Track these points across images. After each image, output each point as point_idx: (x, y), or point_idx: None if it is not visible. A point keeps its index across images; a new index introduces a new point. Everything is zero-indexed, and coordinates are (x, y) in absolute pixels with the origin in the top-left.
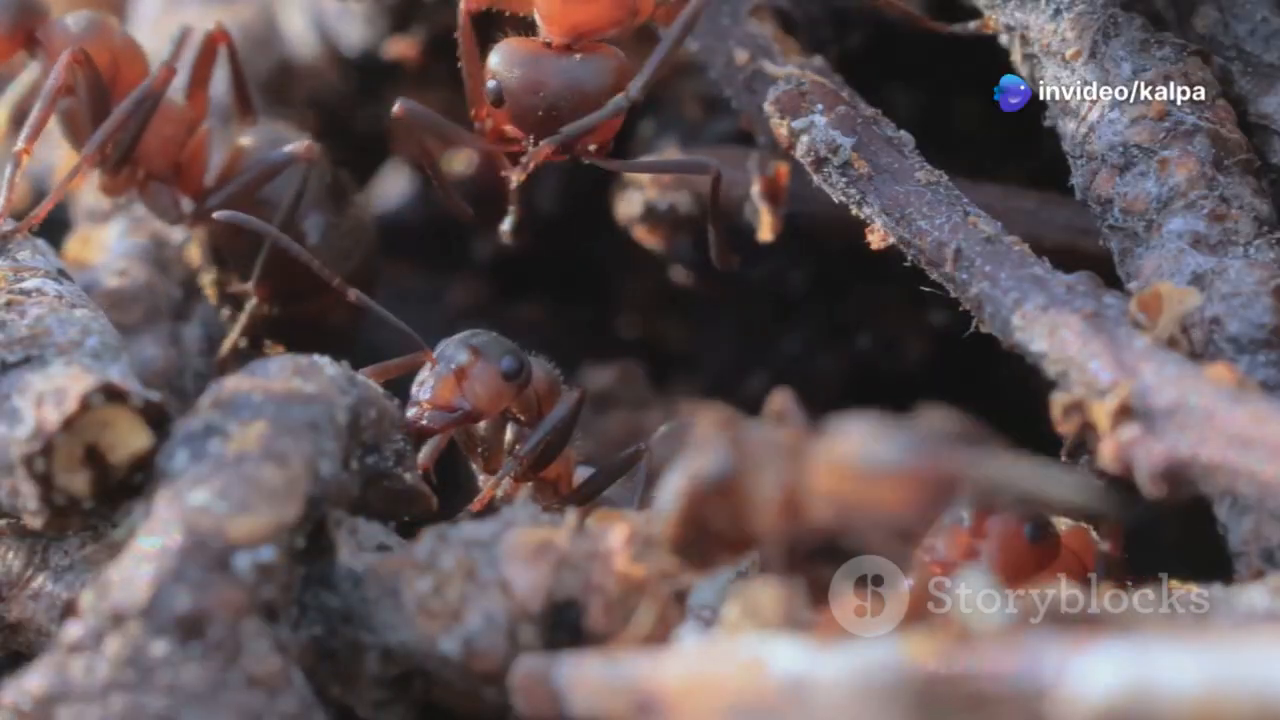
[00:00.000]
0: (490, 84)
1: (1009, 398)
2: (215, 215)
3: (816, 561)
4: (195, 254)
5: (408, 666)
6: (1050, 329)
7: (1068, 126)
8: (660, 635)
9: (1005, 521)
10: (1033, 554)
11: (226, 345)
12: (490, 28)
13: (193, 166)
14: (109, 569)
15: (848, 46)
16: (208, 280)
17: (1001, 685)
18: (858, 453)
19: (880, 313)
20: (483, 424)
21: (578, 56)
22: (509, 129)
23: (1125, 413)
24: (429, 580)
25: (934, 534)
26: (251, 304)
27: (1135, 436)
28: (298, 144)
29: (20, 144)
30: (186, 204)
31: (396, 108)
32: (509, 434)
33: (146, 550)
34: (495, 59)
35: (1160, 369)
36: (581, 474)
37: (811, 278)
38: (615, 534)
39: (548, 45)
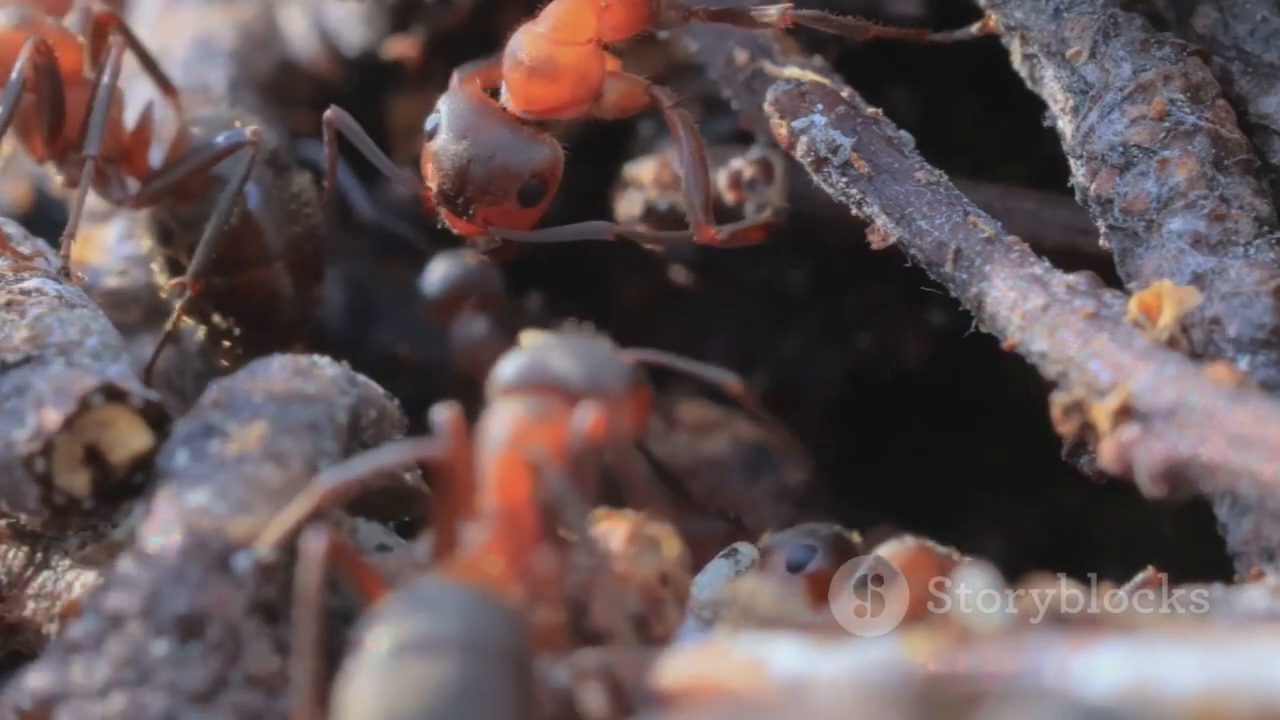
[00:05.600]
0: (431, 116)
1: (1009, 398)
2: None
3: None
4: (145, 241)
5: None
6: (1050, 329)
7: (1068, 126)
8: (660, 635)
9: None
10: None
11: (167, 327)
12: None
13: (138, 148)
14: (109, 569)
15: (848, 46)
16: (158, 265)
17: (1001, 685)
18: None
19: (880, 313)
20: None
21: (515, 130)
22: (426, 167)
23: (1125, 413)
24: None
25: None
26: (187, 296)
27: (1135, 436)
28: (247, 129)
29: None
30: (133, 185)
31: (329, 112)
32: None
33: (147, 550)
34: (444, 99)
35: (1160, 369)
36: None
37: (811, 278)
38: (615, 534)
39: (503, 109)
